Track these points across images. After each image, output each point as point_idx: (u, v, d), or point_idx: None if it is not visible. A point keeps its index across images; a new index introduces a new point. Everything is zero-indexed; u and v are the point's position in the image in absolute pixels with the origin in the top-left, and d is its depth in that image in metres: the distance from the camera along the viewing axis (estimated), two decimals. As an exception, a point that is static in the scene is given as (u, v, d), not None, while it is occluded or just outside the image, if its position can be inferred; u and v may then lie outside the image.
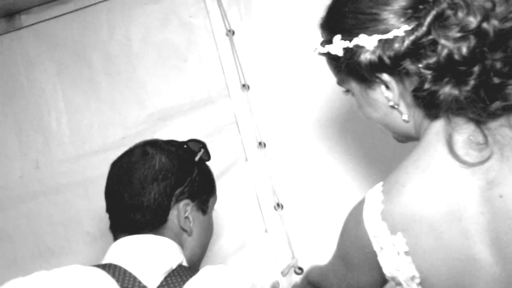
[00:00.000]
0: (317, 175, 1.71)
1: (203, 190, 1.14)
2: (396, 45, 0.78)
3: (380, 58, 0.80)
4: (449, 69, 0.75)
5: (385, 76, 0.84)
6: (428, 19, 0.76)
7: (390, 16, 0.80)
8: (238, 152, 1.77)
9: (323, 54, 0.93)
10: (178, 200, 1.10)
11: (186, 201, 1.10)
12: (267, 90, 1.79)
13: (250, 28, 1.83)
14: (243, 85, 1.79)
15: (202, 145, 1.21)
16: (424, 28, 0.76)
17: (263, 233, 1.69)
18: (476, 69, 0.74)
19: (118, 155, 1.78)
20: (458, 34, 0.74)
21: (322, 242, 1.65)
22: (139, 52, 1.93)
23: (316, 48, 0.94)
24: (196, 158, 1.15)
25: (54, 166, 1.90)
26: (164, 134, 1.84)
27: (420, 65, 0.77)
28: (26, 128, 1.96)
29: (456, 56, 0.74)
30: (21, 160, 1.94)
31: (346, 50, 0.85)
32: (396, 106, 0.86)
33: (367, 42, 0.81)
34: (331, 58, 0.91)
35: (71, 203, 1.86)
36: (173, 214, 1.10)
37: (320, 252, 1.61)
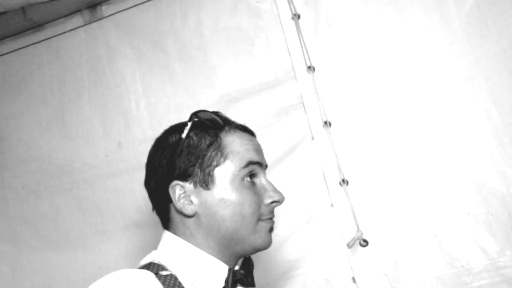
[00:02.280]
0: (380, 152, 1.78)
1: (195, 166, 1.06)
2: None
3: None
4: None
5: None
6: None
7: None
8: (305, 131, 1.86)
9: None
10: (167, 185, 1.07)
11: (175, 182, 1.06)
12: (332, 71, 1.86)
13: (316, 12, 1.90)
14: (309, 67, 1.87)
15: (192, 117, 1.11)
16: None
17: (329, 207, 1.79)
18: None
19: None
20: None
21: (386, 216, 1.73)
22: (210, 38, 2.05)
23: None
24: (183, 135, 1.08)
25: (135, 146, 2.07)
26: (234, 115, 1.94)
27: None
28: (109, 111, 2.14)
29: None
30: (105, 141, 2.12)
31: None
32: None
33: None
34: None
35: (151, 180, 2.02)
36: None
37: (384, 226, 1.71)
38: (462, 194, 1.69)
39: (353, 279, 1.71)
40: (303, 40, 1.89)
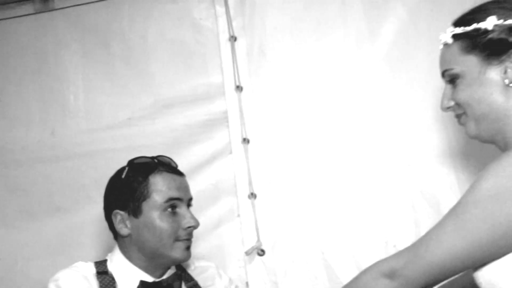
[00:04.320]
0: (289, 172, 1.98)
1: (129, 199, 1.39)
2: None
3: None
4: None
5: None
6: None
7: None
8: (225, 145, 2.04)
9: (457, 36, 1.06)
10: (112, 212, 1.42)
11: (115, 211, 1.41)
12: (257, 94, 2.05)
13: (251, 37, 2.08)
14: (237, 87, 2.05)
15: (129, 163, 1.45)
16: None
17: (236, 217, 1.98)
18: None
19: (124, 133, 2.11)
20: None
21: (285, 230, 1.94)
22: (154, 45, 2.18)
23: (450, 34, 1.08)
24: (123, 176, 1.42)
25: (68, 136, 2.18)
26: (165, 119, 2.12)
27: None
28: (47, 99, 2.23)
29: None
30: (40, 127, 2.22)
31: (498, 27, 1.01)
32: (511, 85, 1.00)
33: None
34: (468, 37, 1.04)
35: (79, 170, 2.14)
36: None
37: (281, 238, 1.91)
38: (355, 220, 1.90)
39: (247, 283, 1.91)
40: (236, 61, 2.06)
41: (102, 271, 1.38)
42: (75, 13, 2.26)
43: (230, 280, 1.61)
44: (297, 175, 1.99)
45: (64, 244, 2.10)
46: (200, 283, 1.52)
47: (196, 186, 1.77)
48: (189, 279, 1.50)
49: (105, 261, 1.43)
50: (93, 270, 1.38)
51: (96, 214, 1.68)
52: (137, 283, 1.36)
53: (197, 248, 1.92)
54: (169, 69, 2.16)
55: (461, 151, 1.86)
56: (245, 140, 2.01)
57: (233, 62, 2.06)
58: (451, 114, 1.15)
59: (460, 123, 1.11)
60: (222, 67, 2.08)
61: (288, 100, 2.03)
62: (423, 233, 1.04)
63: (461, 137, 1.81)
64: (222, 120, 2.06)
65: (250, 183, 1.97)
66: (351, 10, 2.00)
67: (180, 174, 1.47)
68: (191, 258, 1.45)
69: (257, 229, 1.93)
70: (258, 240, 1.92)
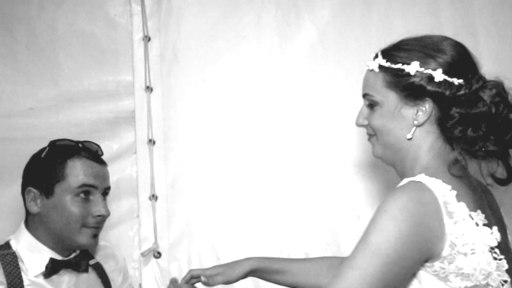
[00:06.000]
0: (192, 177, 2.01)
1: (43, 179, 1.41)
2: (454, 90, 1.10)
3: (442, 92, 1.10)
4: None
5: (429, 102, 1.12)
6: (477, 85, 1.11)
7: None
8: (130, 145, 2.03)
9: (384, 68, 1.16)
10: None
11: (28, 188, 1.42)
12: (167, 96, 2.05)
13: (165, 39, 2.08)
14: (147, 87, 2.04)
15: (51, 143, 1.47)
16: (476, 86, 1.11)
17: (135, 218, 1.96)
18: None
19: (24, 123, 2.02)
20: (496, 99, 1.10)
21: (185, 235, 1.95)
22: (63, 36, 2.11)
23: (377, 64, 1.18)
24: (42, 155, 1.44)
25: (-37, 121, 2.05)
26: (70, 114, 2.06)
27: (461, 110, 1.10)
28: None
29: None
30: None
31: (420, 73, 1.11)
32: (418, 125, 1.13)
33: (438, 76, 1.11)
34: (393, 74, 1.15)
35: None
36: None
37: (179, 242, 1.92)
38: (253, 228, 1.96)
39: (140, 285, 1.91)
40: (148, 61, 2.06)
41: (3, 250, 1.39)
42: (-23, -8, 2.14)
43: (124, 260, 1.66)
44: (200, 180, 2.02)
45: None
46: (99, 260, 1.56)
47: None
48: (91, 257, 1.54)
49: (8, 242, 1.43)
50: None
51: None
52: (45, 261, 1.38)
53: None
54: (77, 62, 2.10)
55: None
56: (151, 141, 2.01)
57: (145, 62, 2.06)
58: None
59: (370, 141, 1.23)
60: (134, 66, 2.06)
61: (197, 105, 2.06)
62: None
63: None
64: (129, 119, 2.04)
65: (152, 185, 1.97)
66: (266, 23, 2.07)
67: (101, 162, 1.49)
68: None
69: (155, 231, 1.94)
70: (155, 242, 1.93)
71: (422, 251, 1.01)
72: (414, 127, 1.13)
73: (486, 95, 1.11)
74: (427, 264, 1.03)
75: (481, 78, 1.14)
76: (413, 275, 1.05)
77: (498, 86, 1.13)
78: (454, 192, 1.04)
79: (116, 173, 1.97)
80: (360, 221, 1.95)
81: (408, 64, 1.13)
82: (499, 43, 2.00)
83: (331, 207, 1.98)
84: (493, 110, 1.10)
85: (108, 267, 1.57)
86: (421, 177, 1.06)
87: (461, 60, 1.14)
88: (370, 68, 1.20)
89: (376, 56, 1.19)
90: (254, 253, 1.90)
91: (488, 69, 1.86)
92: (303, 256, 1.92)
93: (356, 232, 1.92)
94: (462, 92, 1.10)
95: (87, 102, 2.07)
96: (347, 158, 2.00)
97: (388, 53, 1.18)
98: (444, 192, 1.04)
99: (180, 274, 1.91)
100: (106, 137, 2.01)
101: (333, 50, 2.05)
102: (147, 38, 2.07)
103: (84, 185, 1.41)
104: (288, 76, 2.05)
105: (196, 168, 2.01)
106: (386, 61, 1.16)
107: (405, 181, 1.07)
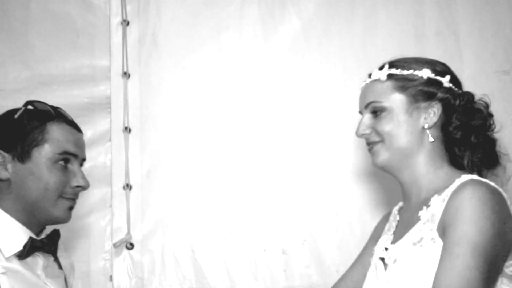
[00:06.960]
0: (168, 167, 1.94)
1: (17, 142, 1.26)
2: (457, 98, 1.19)
3: (449, 98, 1.18)
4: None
5: (439, 107, 1.17)
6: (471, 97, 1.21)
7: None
8: (105, 132, 1.96)
9: (393, 75, 1.21)
10: None
11: None
12: (145, 82, 1.99)
13: (145, 24, 2.02)
14: (125, 73, 1.97)
15: (27, 104, 1.32)
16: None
17: (107, 207, 1.89)
18: None
19: None
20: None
21: (158, 227, 1.89)
22: (36, 16, 2.04)
23: (385, 73, 1.22)
24: (16, 116, 1.28)
25: None
26: (41, 97, 1.95)
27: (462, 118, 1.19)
28: None
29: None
30: None
31: (430, 79, 1.19)
32: (428, 128, 1.19)
33: (446, 83, 1.19)
34: (404, 80, 1.20)
35: None
36: None
37: (152, 234, 1.86)
38: (229, 223, 1.92)
39: (111, 277, 1.84)
40: (126, 46, 1.99)
41: None
42: None
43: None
44: (176, 170, 1.96)
45: None
46: None
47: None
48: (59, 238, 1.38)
49: None
50: None
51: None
52: (19, 240, 1.21)
53: (61, 235, 1.81)
54: (51, 44, 2.03)
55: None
56: (127, 129, 1.94)
57: (123, 47, 1.99)
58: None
59: (372, 150, 1.23)
60: (111, 50, 2.00)
61: (176, 93, 2.00)
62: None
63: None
64: (105, 105, 1.97)
65: (126, 174, 1.91)
66: (249, 13, 2.03)
67: (80, 130, 1.37)
68: None
69: (128, 222, 1.87)
70: (128, 233, 1.86)
71: (506, 249, 1.07)
72: (429, 130, 1.19)
73: (482, 107, 1.21)
74: (506, 264, 1.09)
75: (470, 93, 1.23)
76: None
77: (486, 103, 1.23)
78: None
79: (89, 160, 1.85)
80: (338, 217, 1.92)
81: (420, 70, 1.20)
82: (480, 42, 2.01)
83: (309, 203, 1.95)
84: (488, 122, 1.20)
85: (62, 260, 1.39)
86: (481, 179, 1.12)
87: (455, 76, 1.23)
88: (375, 78, 1.23)
89: (382, 67, 1.23)
90: (230, 247, 1.88)
91: (469, 66, 1.94)
92: (279, 252, 1.89)
93: (334, 228, 1.91)
94: (463, 102, 1.19)
95: (61, 86, 2.00)
96: (325, 153, 1.97)
97: (396, 63, 1.23)
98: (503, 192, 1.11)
99: (153, 266, 1.85)
100: (79, 123, 1.88)
101: (316, 43, 2.02)
102: (125, 22, 2.01)
103: (65, 152, 1.27)
104: (270, 67, 2.02)
105: (173, 158, 1.95)
106: (396, 69, 1.21)
107: (471, 181, 1.10)
